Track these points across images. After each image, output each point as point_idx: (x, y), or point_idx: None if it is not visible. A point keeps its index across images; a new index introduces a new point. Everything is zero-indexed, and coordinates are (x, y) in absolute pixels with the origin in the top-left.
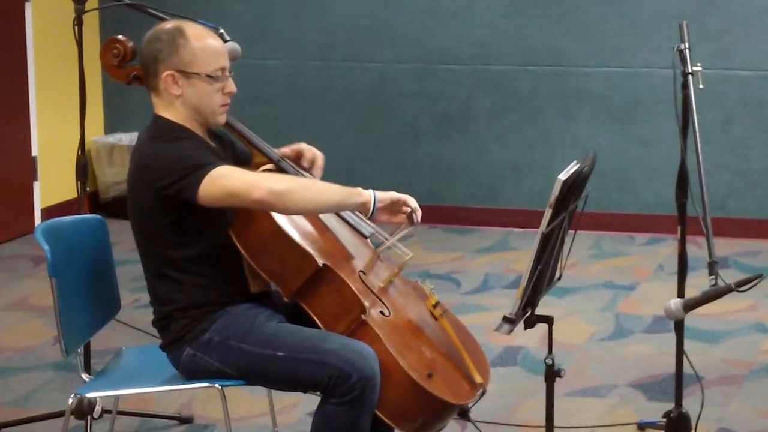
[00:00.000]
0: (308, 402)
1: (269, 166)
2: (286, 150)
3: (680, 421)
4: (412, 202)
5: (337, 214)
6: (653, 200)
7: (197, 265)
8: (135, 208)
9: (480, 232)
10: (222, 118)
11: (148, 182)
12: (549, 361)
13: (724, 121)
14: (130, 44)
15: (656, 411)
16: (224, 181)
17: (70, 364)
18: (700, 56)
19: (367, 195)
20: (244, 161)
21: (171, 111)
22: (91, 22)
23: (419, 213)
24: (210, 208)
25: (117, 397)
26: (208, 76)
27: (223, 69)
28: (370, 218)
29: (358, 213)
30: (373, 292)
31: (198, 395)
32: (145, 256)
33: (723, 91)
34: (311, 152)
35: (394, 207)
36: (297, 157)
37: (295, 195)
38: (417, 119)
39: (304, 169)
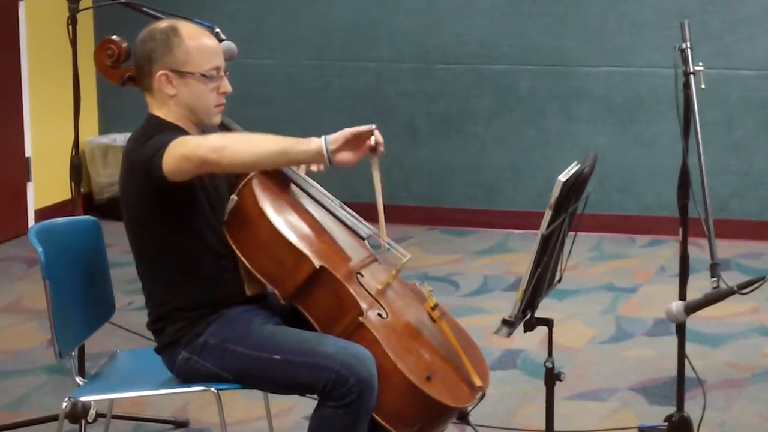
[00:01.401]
0: (305, 405)
1: None
2: None
3: (682, 425)
4: (373, 130)
5: (334, 215)
6: (654, 201)
7: (193, 267)
8: (128, 209)
9: (479, 234)
10: (217, 119)
11: (139, 182)
12: (549, 365)
13: (726, 122)
14: (125, 45)
15: (657, 415)
16: (178, 148)
17: (64, 368)
18: (702, 56)
19: (318, 141)
20: None
21: (165, 111)
22: (85, 21)
23: (380, 138)
24: (203, 208)
25: (111, 401)
26: (203, 75)
27: (217, 68)
28: (330, 165)
29: (354, 213)
30: (370, 294)
31: (193, 399)
32: (139, 257)
33: (725, 91)
34: None
35: (354, 143)
36: None
37: (234, 147)
38: (415, 119)
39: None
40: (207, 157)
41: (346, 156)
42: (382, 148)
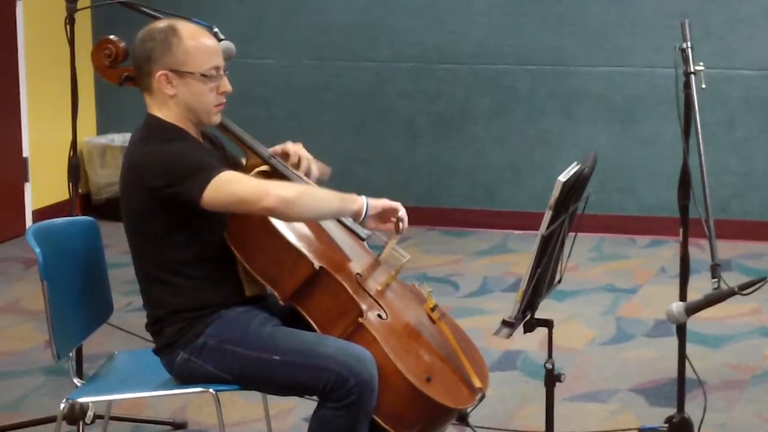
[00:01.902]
0: (304, 407)
1: (264, 167)
2: (278, 149)
3: (682, 427)
4: (402, 211)
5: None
6: (655, 202)
7: (192, 268)
8: (128, 210)
9: (479, 234)
10: (216, 118)
11: (142, 183)
12: (549, 366)
13: (727, 122)
14: (123, 44)
15: (658, 416)
16: (233, 187)
17: (62, 369)
18: (703, 55)
19: (361, 202)
20: (234, 163)
21: (164, 111)
22: (83, 20)
23: (406, 221)
24: (205, 211)
25: (109, 402)
26: (202, 75)
27: (217, 68)
28: (360, 224)
29: None
30: (370, 295)
31: (192, 400)
32: (138, 258)
33: (726, 91)
34: (296, 155)
35: (384, 215)
36: (283, 158)
37: (302, 203)
38: (414, 119)
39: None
40: (274, 207)
41: (373, 223)
42: (404, 231)
